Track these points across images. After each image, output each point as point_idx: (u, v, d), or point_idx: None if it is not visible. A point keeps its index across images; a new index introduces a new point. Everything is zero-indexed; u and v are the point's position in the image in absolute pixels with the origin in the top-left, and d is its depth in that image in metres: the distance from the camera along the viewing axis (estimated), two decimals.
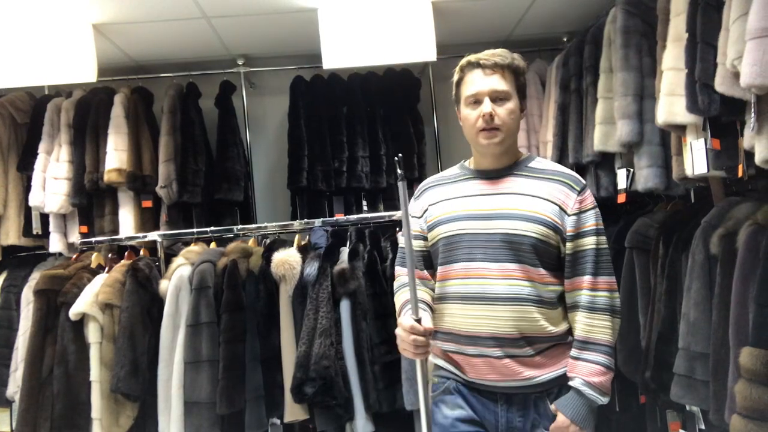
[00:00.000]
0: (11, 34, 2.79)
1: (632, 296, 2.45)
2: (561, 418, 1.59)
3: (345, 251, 2.68)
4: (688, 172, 2.10)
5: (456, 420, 1.68)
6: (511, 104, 1.63)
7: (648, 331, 2.31)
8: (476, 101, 1.63)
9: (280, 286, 2.58)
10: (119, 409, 2.53)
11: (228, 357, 2.47)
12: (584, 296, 1.62)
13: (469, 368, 1.67)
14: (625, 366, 2.45)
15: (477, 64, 1.63)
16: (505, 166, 1.70)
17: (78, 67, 2.84)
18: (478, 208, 1.66)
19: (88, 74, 2.86)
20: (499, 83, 1.62)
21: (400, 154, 1.75)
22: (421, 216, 1.78)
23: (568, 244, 1.62)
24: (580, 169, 2.86)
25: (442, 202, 1.73)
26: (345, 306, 2.52)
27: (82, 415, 2.48)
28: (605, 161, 2.68)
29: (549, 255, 1.63)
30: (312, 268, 2.58)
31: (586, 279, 1.61)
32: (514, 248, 1.60)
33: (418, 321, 1.58)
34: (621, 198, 2.56)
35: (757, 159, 1.71)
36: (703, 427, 2.20)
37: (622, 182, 2.53)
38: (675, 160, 2.25)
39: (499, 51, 1.65)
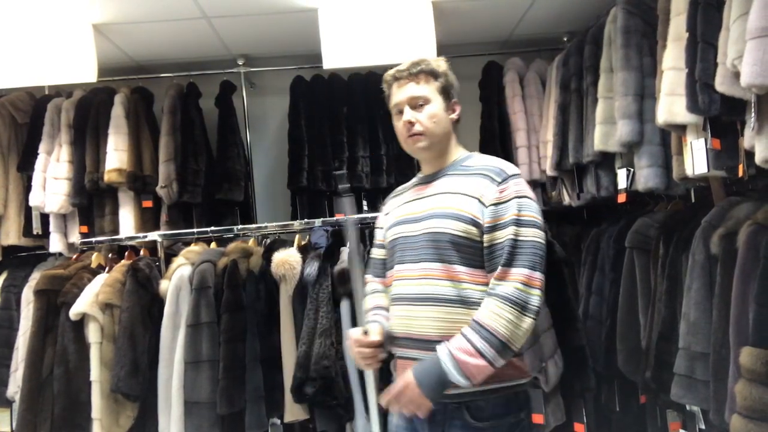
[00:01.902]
0: (11, 35, 2.79)
1: (633, 296, 2.45)
2: (407, 375, 1.52)
3: (345, 251, 2.68)
4: (689, 171, 2.10)
5: (399, 428, 1.73)
6: (432, 108, 1.67)
7: (648, 331, 2.31)
8: (399, 111, 1.70)
9: (280, 286, 2.58)
10: (119, 409, 2.53)
11: (228, 357, 2.47)
12: (491, 285, 1.54)
13: (399, 370, 1.67)
14: (625, 366, 2.45)
15: (394, 77, 1.72)
16: (442, 168, 1.72)
17: (78, 67, 2.84)
18: (411, 211, 1.70)
19: (89, 74, 2.86)
20: (415, 89, 1.67)
21: (342, 171, 1.83)
22: (383, 227, 1.84)
23: (486, 236, 1.57)
24: (581, 168, 2.87)
25: (392, 211, 1.80)
26: (345, 306, 2.51)
27: (83, 415, 2.48)
28: (606, 161, 2.68)
29: (472, 252, 1.59)
30: (312, 268, 2.58)
31: (498, 270, 1.53)
32: (435, 247, 1.60)
33: (366, 333, 1.60)
34: (621, 198, 2.56)
35: (758, 159, 1.71)
36: (703, 426, 2.20)
37: (622, 182, 2.53)
38: (675, 160, 2.25)
39: (414, 59, 1.71)
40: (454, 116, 1.71)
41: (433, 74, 1.69)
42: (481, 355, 1.47)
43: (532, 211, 1.57)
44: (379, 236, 1.85)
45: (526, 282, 1.50)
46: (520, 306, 1.49)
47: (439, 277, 1.59)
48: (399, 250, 1.69)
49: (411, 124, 1.66)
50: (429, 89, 1.68)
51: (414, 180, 1.84)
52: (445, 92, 1.70)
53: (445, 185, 1.67)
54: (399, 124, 1.71)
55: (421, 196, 1.71)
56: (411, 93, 1.67)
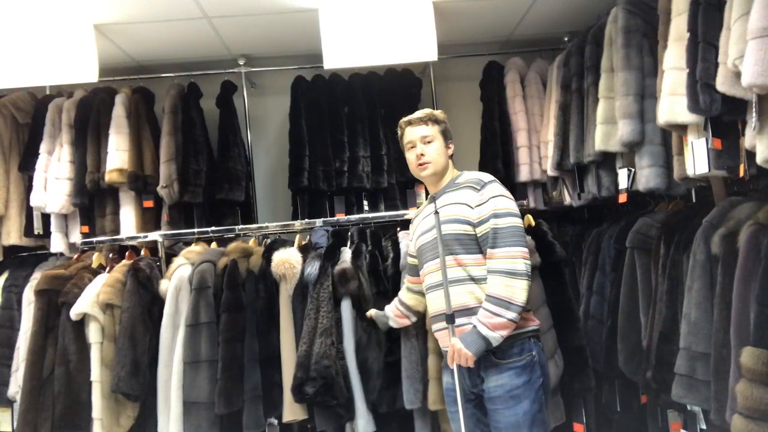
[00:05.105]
0: (13, 35, 2.80)
1: (633, 296, 2.45)
2: (455, 341, 2.00)
3: (346, 251, 2.68)
4: (690, 171, 2.10)
5: (448, 384, 2.21)
6: (437, 144, 2.21)
7: (649, 330, 2.31)
8: (412, 146, 2.22)
9: (280, 286, 2.58)
10: (120, 409, 2.53)
11: (226, 357, 2.47)
12: (487, 264, 2.03)
13: (441, 340, 2.20)
14: (626, 366, 2.45)
15: (409, 122, 2.24)
16: (442, 187, 2.22)
17: (79, 67, 2.85)
18: (427, 224, 2.20)
19: (90, 74, 2.87)
20: (426, 130, 2.21)
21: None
22: (412, 239, 2.37)
23: (477, 229, 2.06)
24: (582, 168, 2.87)
25: (416, 227, 2.32)
26: (346, 306, 2.52)
27: (83, 415, 2.48)
28: (606, 161, 2.68)
29: (472, 243, 2.07)
30: (313, 268, 2.58)
31: (488, 252, 2.03)
32: (445, 245, 2.08)
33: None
34: (622, 198, 2.56)
35: (759, 159, 1.71)
36: (704, 426, 2.20)
37: (623, 182, 2.53)
38: (676, 160, 2.25)
39: (423, 110, 2.26)
40: (450, 151, 2.26)
41: (437, 121, 2.23)
42: (496, 315, 1.96)
43: (506, 204, 2.06)
44: (411, 248, 2.38)
45: (508, 256, 1.99)
46: (510, 273, 1.97)
47: (450, 265, 2.07)
48: (423, 253, 2.21)
49: (422, 155, 2.18)
50: (435, 131, 2.21)
51: (426, 201, 2.36)
52: (444, 134, 2.24)
53: (447, 199, 2.16)
54: (411, 156, 2.22)
55: (431, 211, 2.17)
56: (422, 133, 2.20)
